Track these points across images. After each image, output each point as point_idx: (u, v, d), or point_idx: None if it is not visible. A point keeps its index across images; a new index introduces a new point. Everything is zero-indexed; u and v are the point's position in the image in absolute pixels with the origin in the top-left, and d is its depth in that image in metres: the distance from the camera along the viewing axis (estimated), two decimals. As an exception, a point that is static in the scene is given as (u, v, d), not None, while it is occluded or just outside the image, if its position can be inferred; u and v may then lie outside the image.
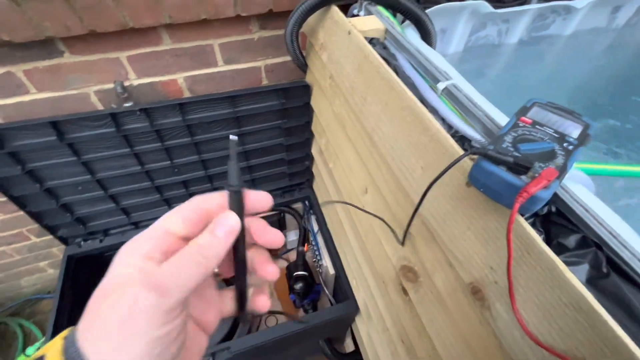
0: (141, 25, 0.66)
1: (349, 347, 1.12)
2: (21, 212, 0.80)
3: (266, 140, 0.87)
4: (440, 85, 0.39)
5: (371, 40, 0.49)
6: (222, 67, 0.83)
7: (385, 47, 0.50)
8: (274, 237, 0.24)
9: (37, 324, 1.24)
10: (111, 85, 0.76)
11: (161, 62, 0.76)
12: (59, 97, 0.74)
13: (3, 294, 1.25)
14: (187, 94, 0.85)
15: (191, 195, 0.94)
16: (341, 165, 0.69)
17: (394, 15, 0.55)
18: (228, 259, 0.23)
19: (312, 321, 0.79)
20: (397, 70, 0.44)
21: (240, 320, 0.26)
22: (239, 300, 0.25)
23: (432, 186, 0.30)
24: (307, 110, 0.82)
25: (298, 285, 0.98)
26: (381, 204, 0.53)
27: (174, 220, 0.22)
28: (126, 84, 0.77)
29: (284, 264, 1.25)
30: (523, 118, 0.31)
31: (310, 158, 0.97)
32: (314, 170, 1.00)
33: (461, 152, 0.32)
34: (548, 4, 0.80)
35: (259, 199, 0.24)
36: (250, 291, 0.25)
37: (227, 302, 0.25)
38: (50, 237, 0.92)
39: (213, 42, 0.77)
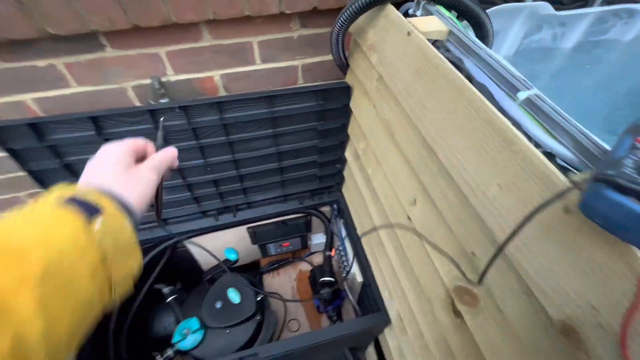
0: (184, 21, 0.64)
1: (370, 355, 1.09)
2: (55, 205, 0.80)
3: (300, 141, 0.84)
4: (521, 95, 0.36)
5: (434, 43, 0.46)
6: (260, 66, 0.80)
7: (448, 50, 0.46)
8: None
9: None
10: (148, 81, 0.75)
11: (200, 59, 0.75)
12: (97, 92, 0.74)
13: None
14: (222, 92, 0.83)
15: (220, 194, 0.93)
16: (383, 172, 0.66)
17: (457, 17, 0.51)
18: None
19: (342, 332, 0.77)
20: (470, 77, 0.40)
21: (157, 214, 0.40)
22: (157, 205, 0.39)
23: (527, 222, 0.26)
24: (345, 113, 0.79)
25: (325, 291, 0.95)
26: (433, 217, 0.50)
27: (126, 148, 0.35)
28: (163, 79, 0.76)
29: (308, 267, 1.23)
30: None
31: (343, 161, 0.94)
32: (345, 173, 0.97)
33: (556, 171, 0.29)
34: (611, 7, 0.74)
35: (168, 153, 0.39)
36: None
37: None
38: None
39: (253, 40, 0.75)
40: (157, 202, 0.38)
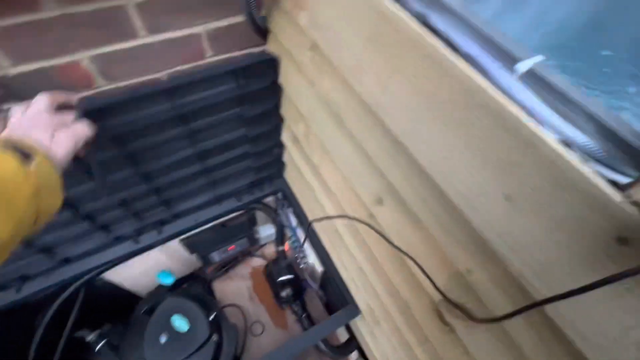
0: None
1: (342, 335, 1.07)
2: None
3: (224, 134, 0.67)
4: (523, 66, 0.26)
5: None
6: (146, 39, 0.59)
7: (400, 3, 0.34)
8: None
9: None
10: (-30, 80, 0.50)
11: (49, 37, 0.51)
12: None
13: None
14: (100, 82, 0.60)
15: (135, 214, 0.73)
16: (333, 163, 0.54)
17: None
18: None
19: (315, 339, 0.70)
20: (454, 45, 0.29)
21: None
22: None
23: (588, 290, 0.18)
24: (274, 91, 0.64)
25: (285, 292, 0.86)
26: (406, 221, 0.41)
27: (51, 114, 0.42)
28: (-3, 75, 0.51)
29: (261, 260, 1.12)
30: None
31: (281, 145, 0.80)
32: (285, 158, 0.84)
33: (602, 183, 0.20)
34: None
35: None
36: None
37: None
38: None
39: (126, 2, 0.53)
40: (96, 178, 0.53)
